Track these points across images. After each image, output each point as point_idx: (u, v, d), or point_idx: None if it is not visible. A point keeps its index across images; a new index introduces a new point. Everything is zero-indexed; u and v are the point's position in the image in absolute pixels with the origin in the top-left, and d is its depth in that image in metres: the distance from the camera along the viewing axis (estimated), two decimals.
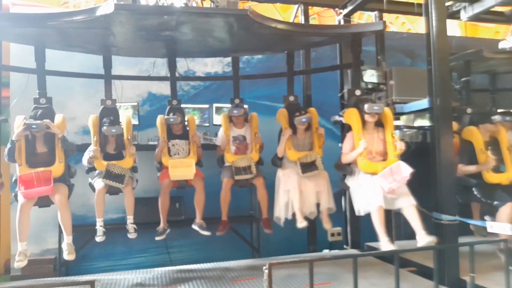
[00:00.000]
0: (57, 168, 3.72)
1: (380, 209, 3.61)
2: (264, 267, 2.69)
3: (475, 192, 4.16)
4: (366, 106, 3.91)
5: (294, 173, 4.18)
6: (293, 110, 4.43)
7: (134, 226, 3.98)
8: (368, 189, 3.72)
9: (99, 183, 3.91)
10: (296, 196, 4.11)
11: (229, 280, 3.90)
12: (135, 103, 5.20)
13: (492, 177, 4.11)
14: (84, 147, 4.26)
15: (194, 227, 4.18)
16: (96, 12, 3.29)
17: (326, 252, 5.37)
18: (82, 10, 3.36)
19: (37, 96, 4.08)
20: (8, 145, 3.68)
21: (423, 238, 3.47)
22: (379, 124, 4.05)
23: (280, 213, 4.20)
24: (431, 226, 3.84)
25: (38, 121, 3.71)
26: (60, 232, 4.89)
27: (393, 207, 3.73)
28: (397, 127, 4.98)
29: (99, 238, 3.86)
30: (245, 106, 4.77)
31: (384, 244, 3.62)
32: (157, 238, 4.10)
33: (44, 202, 3.74)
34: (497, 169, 4.15)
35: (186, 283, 3.85)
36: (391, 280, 3.13)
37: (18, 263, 3.54)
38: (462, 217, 3.70)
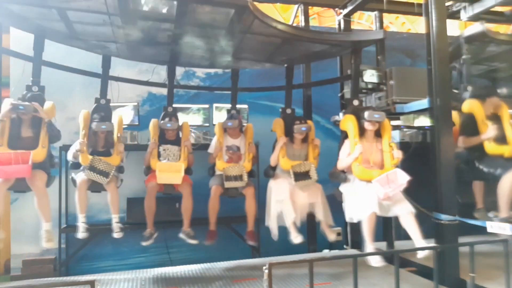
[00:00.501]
0: (39, 153, 3.59)
1: (372, 215, 3.57)
2: (264, 267, 2.68)
3: (477, 164, 4.07)
4: (366, 114, 3.87)
5: (287, 183, 4.10)
6: (290, 120, 4.42)
7: (120, 225, 3.91)
8: (363, 195, 3.68)
9: (80, 176, 3.83)
10: (288, 207, 4.03)
11: (229, 280, 3.90)
12: (135, 103, 5.21)
13: (494, 148, 4.01)
14: None
15: (182, 236, 4.09)
16: None
17: (326, 252, 5.37)
18: None
19: (30, 84, 4.02)
20: None
21: (422, 252, 3.42)
22: (379, 134, 4.02)
23: (273, 223, 4.13)
24: (430, 227, 3.86)
25: (26, 103, 3.62)
26: (60, 232, 4.93)
27: (388, 214, 3.69)
28: (397, 127, 4.99)
29: (81, 235, 3.79)
30: (244, 114, 4.73)
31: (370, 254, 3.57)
32: (143, 244, 4.01)
33: (20, 186, 3.58)
34: (499, 140, 4.05)
35: (186, 283, 3.85)
36: (391, 280, 3.13)
37: None
38: (462, 217, 3.70)
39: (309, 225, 5.19)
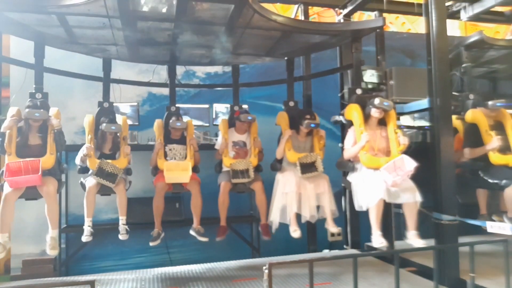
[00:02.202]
0: (48, 160, 3.61)
1: (380, 202, 3.58)
2: (264, 267, 2.68)
3: (482, 175, 4.08)
4: (377, 100, 3.86)
5: (293, 175, 4.11)
6: (294, 113, 4.43)
7: (126, 227, 3.91)
8: (371, 183, 3.67)
9: (90, 181, 3.85)
10: (294, 199, 4.03)
11: (229, 280, 3.89)
12: (135, 103, 5.21)
13: (498, 158, 4.03)
14: None
15: (192, 233, 4.11)
16: None
17: (326, 252, 5.37)
18: None
19: (33, 91, 4.04)
20: None
21: (413, 239, 3.53)
22: (381, 122, 4.03)
23: (275, 217, 4.12)
24: (430, 227, 3.86)
25: (41, 110, 3.64)
26: (60, 232, 4.90)
27: (396, 200, 3.67)
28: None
29: (85, 238, 3.78)
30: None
31: (376, 238, 3.60)
32: (151, 244, 4.02)
33: (31, 194, 3.59)
34: (504, 150, 4.07)
35: (186, 283, 3.85)
36: (391, 280, 3.13)
37: None
38: (462, 217, 3.70)
39: (309, 225, 5.19)
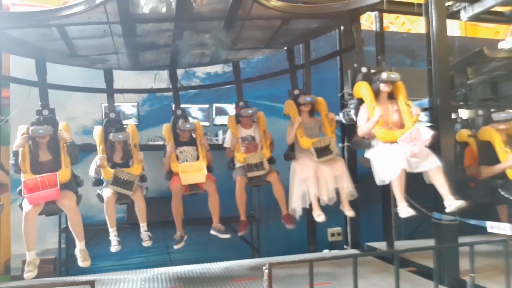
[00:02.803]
0: (64, 173, 3.60)
1: (402, 172, 3.54)
2: (264, 267, 2.69)
3: (502, 192, 4.07)
4: (384, 75, 3.83)
5: (309, 161, 4.08)
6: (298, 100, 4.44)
7: (149, 233, 3.89)
8: (390, 156, 3.64)
9: (107, 192, 3.83)
10: (312, 184, 3.99)
11: (229, 280, 3.90)
12: (135, 103, 5.21)
13: None
14: (84, 147, 4.26)
15: (213, 232, 4.09)
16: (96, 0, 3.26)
17: (326, 252, 5.37)
18: (81, 1, 3.31)
19: (40, 108, 3.99)
20: (12, 158, 3.59)
21: (452, 203, 3.41)
22: (390, 97, 3.99)
23: (297, 204, 4.09)
24: (431, 227, 3.86)
25: (45, 126, 3.64)
26: (60, 232, 4.93)
27: (417, 169, 3.63)
28: None
29: (114, 248, 3.78)
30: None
31: (403, 209, 3.56)
32: (175, 247, 4.04)
33: (51, 209, 3.60)
34: None
35: (186, 283, 3.86)
36: (391, 280, 3.13)
37: (28, 273, 3.45)
38: (463, 217, 3.70)
39: (309, 225, 5.20)
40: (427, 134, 3.54)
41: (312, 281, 2.69)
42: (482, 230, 3.49)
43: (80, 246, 3.64)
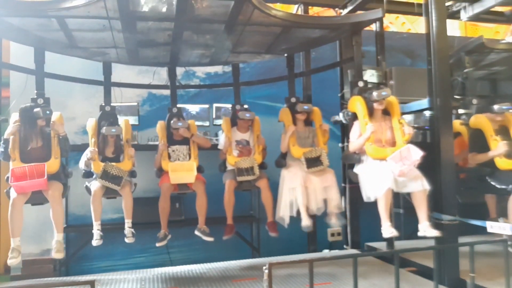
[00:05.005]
0: (53, 164, 3.62)
1: (388, 192, 3.56)
2: (264, 267, 2.68)
3: (489, 180, 4.09)
4: (375, 93, 3.86)
5: (299, 170, 4.12)
6: (295, 108, 4.45)
7: (132, 230, 3.90)
8: (378, 173, 3.66)
9: (95, 185, 3.85)
10: (300, 193, 4.02)
11: (229, 280, 3.89)
12: (135, 103, 5.20)
13: (505, 163, 4.04)
14: (84, 147, 4.23)
15: (197, 233, 4.11)
16: None
17: (326, 252, 5.37)
18: None
19: (35, 96, 4.03)
20: (2, 145, 3.60)
21: (427, 230, 3.47)
22: (386, 112, 4.02)
23: (284, 212, 4.12)
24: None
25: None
26: None
27: (404, 189, 3.66)
28: None
29: (95, 242, 3.78)
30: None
31: (386, 228, 3.60)
32: (158, 245, 4.03)
33: (37, 199, 3.61)
34: (510, 155, 4.07)
35: (186, 283, 3.85)
36: (391, 280, 3.13)
37: (11, 260, 3.43)
38: (462, 217, 3.70)
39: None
40: (417, 154, 3.56)
41: (312, 281, 2.68)
42: (482, 230, 3.48)
43: (57, 237, 3.64)
